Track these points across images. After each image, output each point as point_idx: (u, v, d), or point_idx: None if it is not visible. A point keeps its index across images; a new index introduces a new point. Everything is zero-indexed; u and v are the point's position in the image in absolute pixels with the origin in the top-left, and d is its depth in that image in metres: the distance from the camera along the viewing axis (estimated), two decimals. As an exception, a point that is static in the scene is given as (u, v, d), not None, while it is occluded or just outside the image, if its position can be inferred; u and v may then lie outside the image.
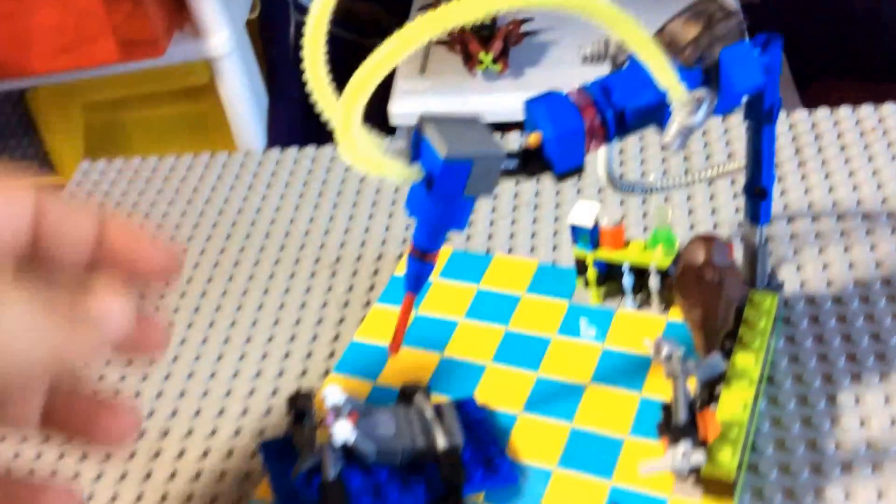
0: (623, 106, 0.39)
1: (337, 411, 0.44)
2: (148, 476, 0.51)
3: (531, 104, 0.40)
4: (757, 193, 0.46)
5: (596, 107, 0.39)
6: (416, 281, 0.43)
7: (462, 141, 0.38)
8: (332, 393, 0.44)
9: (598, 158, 0.49)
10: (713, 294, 0.43)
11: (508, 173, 0.40)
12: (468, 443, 0.46)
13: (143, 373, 0.57)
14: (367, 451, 0.44)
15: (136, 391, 0.56)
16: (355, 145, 0.36)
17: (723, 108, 0.40)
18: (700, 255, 0.43)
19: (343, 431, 0.43)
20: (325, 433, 0.43)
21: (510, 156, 0.39)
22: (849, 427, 0.47)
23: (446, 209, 0.40)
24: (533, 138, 0.39)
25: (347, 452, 0.44)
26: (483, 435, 0.47)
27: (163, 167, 0.75)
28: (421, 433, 0.45)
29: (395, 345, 0.45)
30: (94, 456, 0.52)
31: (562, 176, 0.40)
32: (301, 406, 0.46)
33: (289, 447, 0.46)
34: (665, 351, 0.40)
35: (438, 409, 0.46)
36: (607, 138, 0.40)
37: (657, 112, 0.40)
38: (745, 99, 0.43)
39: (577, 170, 0.40)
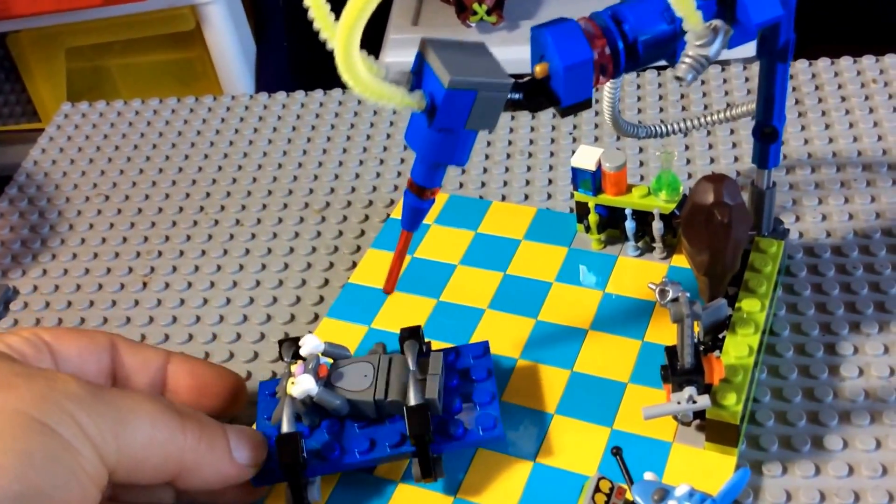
0: (635, 36, 0.38)
1: (306, 363, 0.42)
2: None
3: (539, 32, 0.38)
4: (767, 134, 0.45)
5: (607, 37, 0.38)
6: (413, 218, 0.41)
7: (467, 68, 0.36)
8: (308, 343, 0.43)
9: (603, 100, 0.48)
10: (722, 235, 0.42)
11: (512, 105, 0.38)
12: (460, 395, 0.44)
13: (124, 317, 0.55)
14: (334, 405, 0.43)
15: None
16: (355, 68, 0.34)
17: (737, 41, 0.38)
18: (709, 195, 0.42)
19: (302, 385, 0.41)
20: (293, 384, 0.42)
21: (514, 88, 0.38)
22: (847, 376, 0.46)
23: (447, 143, 0.38)
24: (539, 69, 0.38)
25: (320, 405, 0.43)
26: (478, 387, 0.45)
27: (146, 111, 0.73)
28: (398, 386, 0.43)
29: (391, 284, 0.43)
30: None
31: (567, 110, 0.38)
32: (283, 353, 0.45)
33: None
34: (671, 293, 0.39)
35: (423, 360, 0.44)
36: (617, 71, 0.38)
37: (670, 43, 0.38)
38: (759, 34, 0.41)
39: (583, 104, 0.38)
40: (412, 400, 0.42)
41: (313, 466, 0.42)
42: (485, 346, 0.47)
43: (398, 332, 0.45)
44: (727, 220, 0.42)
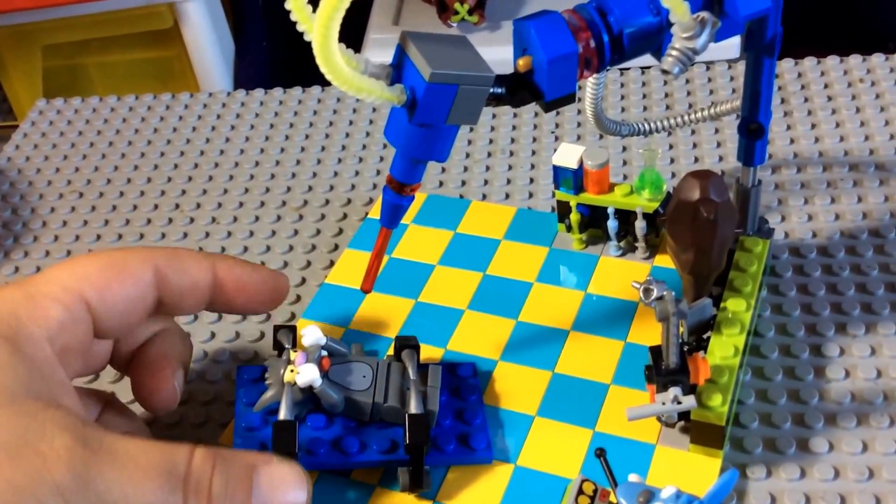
0: (621, 28, 0.37)
1: (308, 353, 0.42)
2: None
3: (522, 24, 0.37)
4: (753, 131, 0.44)
5: (591, 29, 0.37)
6: (393, 215, 0.41)
7: (448, 61, 0.35)
8: (310, 333, 0.42)
9: (586, 97, 0.47)
10: (707, 233, 0.41)
11: (494, 100, 0.37)
12: (450, 411, 0.44)
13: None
14: (333, 400, 0.42)
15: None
16: (333, 61, 0.33)
17: (725, 34, 0.37)
18: (695, 192, 0.41)
19: (307, 375, 0.41)
20: (294, 373, 0.41)
21: (496, 82, 0.37)
22: (833, 378, 0.45)
23: (427, 138, 0.37)
24: (522, 62, 0.37)
25: (316, 398, 0.42)
26: (469, 406, 0.44)
27: (121, 107, 0.71)
28: (397, 392, 0.43)
29: (368, 282, 0.43)
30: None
31: (550, 105, 0.37)
32: (279, 340, 0.44)
33: (263, 378, 0.44)
34: (655, 291, 0.38)
35: (423, 371, 0.43)
36: (602, 65, 0.38)
37: (656, 36, 0.37)
38: (746, 27, 0.41)
39: (567, 98, 0.37)
40: (413, 408, 0.41)
41: (301, 460, 0.41)
42: (473, 366, 0.46)
43: (375, 333, 0.45)
44: (713, 217, 0.41)
